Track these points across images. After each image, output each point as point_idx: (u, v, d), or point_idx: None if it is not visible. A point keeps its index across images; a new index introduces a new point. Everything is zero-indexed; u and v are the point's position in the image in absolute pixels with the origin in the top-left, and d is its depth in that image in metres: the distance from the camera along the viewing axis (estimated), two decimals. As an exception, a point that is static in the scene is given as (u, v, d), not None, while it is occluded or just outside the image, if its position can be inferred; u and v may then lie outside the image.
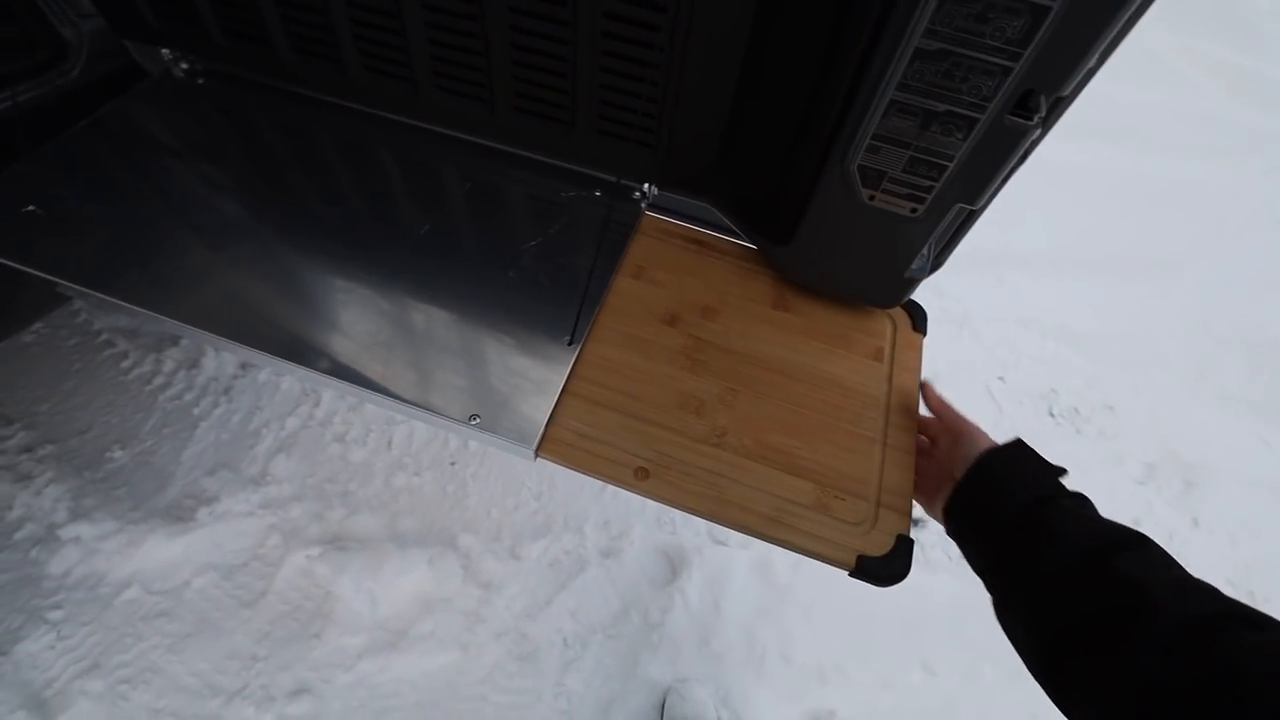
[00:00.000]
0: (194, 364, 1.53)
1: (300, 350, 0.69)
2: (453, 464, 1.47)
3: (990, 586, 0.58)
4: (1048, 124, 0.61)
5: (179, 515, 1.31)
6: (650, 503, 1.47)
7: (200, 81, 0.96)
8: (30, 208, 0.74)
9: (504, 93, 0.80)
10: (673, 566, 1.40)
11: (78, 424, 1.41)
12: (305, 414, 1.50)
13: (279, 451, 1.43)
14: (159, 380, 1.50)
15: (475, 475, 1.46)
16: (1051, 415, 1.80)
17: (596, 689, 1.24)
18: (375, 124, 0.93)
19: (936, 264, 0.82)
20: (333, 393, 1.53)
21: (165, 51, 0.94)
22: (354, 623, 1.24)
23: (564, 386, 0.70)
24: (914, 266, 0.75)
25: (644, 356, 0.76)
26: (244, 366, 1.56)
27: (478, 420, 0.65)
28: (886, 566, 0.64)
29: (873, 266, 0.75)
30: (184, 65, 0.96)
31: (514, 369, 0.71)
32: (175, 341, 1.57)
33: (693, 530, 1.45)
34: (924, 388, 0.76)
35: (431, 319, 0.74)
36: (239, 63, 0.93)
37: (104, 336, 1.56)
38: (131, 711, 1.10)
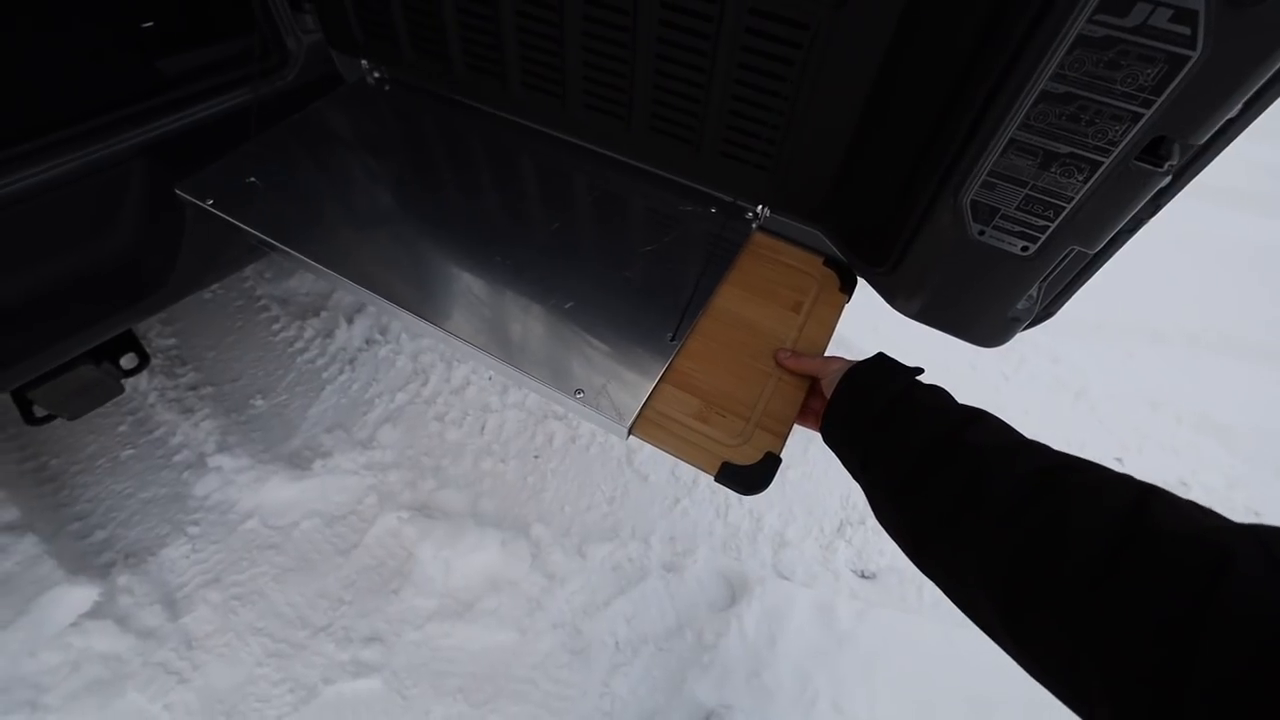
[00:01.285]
0: (329, 334, 1.74)
1: (445, 315, 0.81)
2: (536, 457, 1.56)
3: (864, 485, 0.61)
4: (1184, 175, 0.60)
5: (298, 463, 1.48)
6: (719, 526, 1.49)
7: (386, 88, 1.14)
8: (251, 179, 0.92)
9: (641, 113, 0.89)
10: (733, 592, 1.39)
11: (232, 372, 1.64)
12: (413, 391, 1.65)
13: (386, 421, 1.58)
14: (299, 345, 1.72)
15: (555, 471, 1.54)
16: (1174, 509, 1.62)
17: (641, 698, 1.25)
18: (523, 133, 1.06)
19: (1048, 312, 0.80)
20: (439, 374, 1.68)
21: (364, 63, 1.12)
22: (428, 586, 1.33)
23: (661, 376, 0.76)
24: (1020, 307, 0.74)
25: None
26: (368, 341, 1.75)
27: (581, 395, 0.73)
28: (748, 475, 0.70)
29: (977, 302, 0.76)
30: (375, 74, 1.14)
31: (618, 357, 0.78)
32: (316, 312, 1.79)
33: (758, 560, 1.44)
34: (776, 356, 0.80)
35: (552, 305, 0.83)
36: (421, 74, 1.09)
37: (262, 301, 1.81)
38: (238, 625, 1.24)
